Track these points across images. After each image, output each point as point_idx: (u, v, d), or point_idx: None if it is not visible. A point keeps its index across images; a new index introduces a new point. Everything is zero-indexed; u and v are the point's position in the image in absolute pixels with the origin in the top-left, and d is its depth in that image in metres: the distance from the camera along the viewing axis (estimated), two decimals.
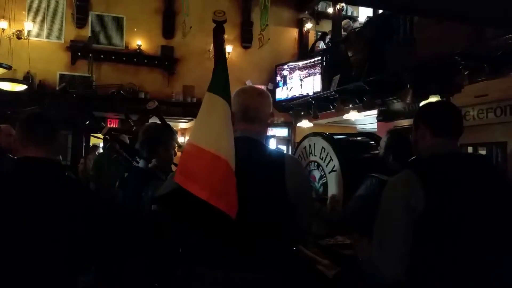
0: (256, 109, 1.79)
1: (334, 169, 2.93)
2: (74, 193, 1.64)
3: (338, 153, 2.92)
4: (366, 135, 3.64)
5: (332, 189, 2.93)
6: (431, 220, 1.50)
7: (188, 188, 1.53)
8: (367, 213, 2.23)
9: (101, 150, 5.80)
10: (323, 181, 3.05)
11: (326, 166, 3.01)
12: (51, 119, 1.72)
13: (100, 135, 3.30)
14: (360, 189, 2.43)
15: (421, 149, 1.72)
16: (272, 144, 10.23)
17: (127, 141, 3.88)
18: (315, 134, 3.29)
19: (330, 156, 2.98)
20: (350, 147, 3.34)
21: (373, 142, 3.27)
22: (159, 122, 2.79)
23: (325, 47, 10.18)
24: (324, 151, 3.04)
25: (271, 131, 10.79)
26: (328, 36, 10.53)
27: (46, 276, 1.53)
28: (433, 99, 5.94)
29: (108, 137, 3.36)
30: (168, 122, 2.86)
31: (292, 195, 1.70)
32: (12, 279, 1.49)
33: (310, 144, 3.24)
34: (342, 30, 9.61)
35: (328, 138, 3.10)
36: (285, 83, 10.71)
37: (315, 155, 3.15)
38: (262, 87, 10.36)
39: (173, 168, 2.63)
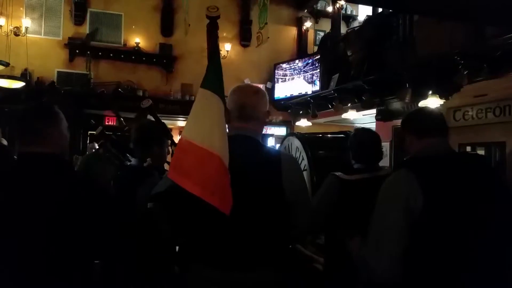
0: (252, 108, 1.77)
1: (305, 168, 2.96)
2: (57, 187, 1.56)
3: (307, 151, 2.99)
4: (342, 133, 3.63)
5: None
6: (430, 218, 1.50)
7: (181, 184, 1.52)
8: (326, 211, 2.24)
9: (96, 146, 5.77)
10: None
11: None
12: (34, 112, 1.64)
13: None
14: (321, 187, 2.42)
15: (413, 153, 1.76)
16: (271, 143, 10.22)
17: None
18: (292, 134, 3.36)
19: (302, 156, 3.02)
20: (320, 146, 3.36)
21: (346, 140, 3.24)
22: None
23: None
24: (298, 151, 3.11)
25: (270, 130, 10.78)
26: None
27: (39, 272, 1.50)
28: (432, 98, 5.94)
29: (101, 138, 3.35)
30: (163, 120, 2.84)
31: (289, 193, 1.68)
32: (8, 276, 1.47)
33: (288, 144, 3.30)
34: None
35: (300, 137, 3.18)
36: (283, 81, 10.70)
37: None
38: (261, 85, 10.37)
39: (166, 166, 2.61)
